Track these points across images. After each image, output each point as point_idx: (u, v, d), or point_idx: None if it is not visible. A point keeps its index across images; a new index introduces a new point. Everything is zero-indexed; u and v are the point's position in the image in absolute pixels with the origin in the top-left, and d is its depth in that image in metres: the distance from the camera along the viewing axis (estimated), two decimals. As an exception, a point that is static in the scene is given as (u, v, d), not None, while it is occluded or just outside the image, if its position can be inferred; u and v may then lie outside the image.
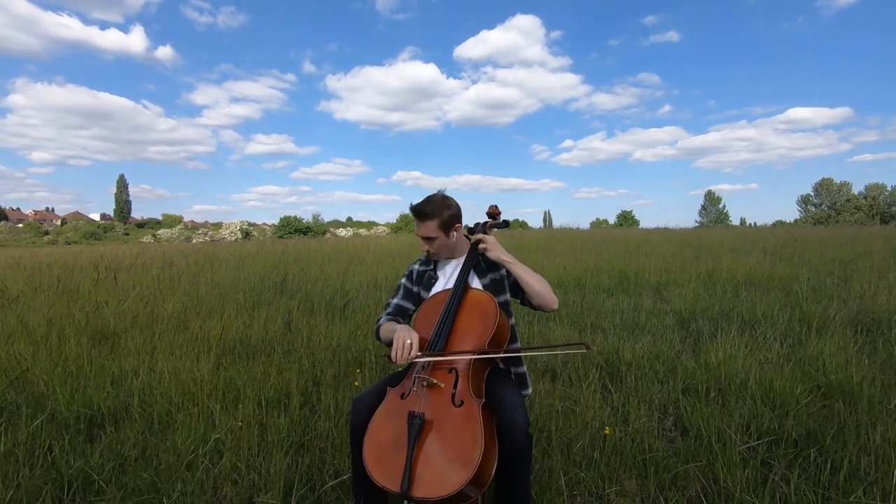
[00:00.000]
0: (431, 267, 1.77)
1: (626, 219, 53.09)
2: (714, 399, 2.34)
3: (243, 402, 2.41)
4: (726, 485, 1.66)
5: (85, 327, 3.82)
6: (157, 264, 8.27)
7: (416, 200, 1.69)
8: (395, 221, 45.81)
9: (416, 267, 1.80)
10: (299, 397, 2.45)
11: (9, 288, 5.53)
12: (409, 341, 1.45)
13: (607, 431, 1.97)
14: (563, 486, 1.67)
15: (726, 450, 1.82)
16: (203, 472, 1.81)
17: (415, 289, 1.77)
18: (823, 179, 54.10)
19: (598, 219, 54.41)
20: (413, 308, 1.78)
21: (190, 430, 2.11)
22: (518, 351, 1.60)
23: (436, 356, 1.47)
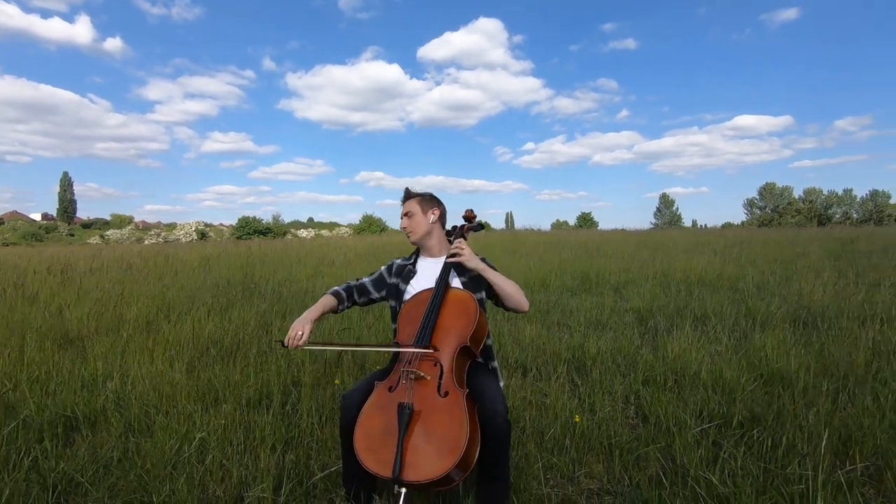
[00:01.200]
0: (412, 262, 1.91)
1: (586, 220, 54.44)
2: (671, 388, 2.54)
3: (224, 403, 2.45)
4: (683, 463, 1.84)
5: (47, 332, 3.73)
6: (115, 267, 8.02)
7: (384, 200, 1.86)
8: (357, 223, 45.30)
9: (398, 261, 1.96)
10: (280, 396, 2.51)
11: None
12: (300, 332, 1.64)
13: (577, 419, 2.12)
14: (538, 471, 1.81)
15: (682, 433, 2.00)
16: (191, 470, 1.85)
17: (392, 280, 1.91)
18: (767, 184, 57.06)
19: (558, 220, 55.65)
20: (376, 294, 1.92)
21: (172, 431, 2.14)
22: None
23: (319, 345, 1.77)
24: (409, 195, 1.89)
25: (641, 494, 1.69)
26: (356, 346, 2.47)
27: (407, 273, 1.88)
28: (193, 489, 1.76)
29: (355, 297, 1.91)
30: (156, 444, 2.03)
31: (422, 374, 1.50)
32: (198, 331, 3.62)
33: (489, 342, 1.83)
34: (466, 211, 1.98)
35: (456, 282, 1.79)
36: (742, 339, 3.39)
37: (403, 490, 1.30)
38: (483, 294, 1.79)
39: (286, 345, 1.63)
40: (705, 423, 2.11)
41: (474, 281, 1.79)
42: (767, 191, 56.63)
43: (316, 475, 1.83)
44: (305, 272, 7.32)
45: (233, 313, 4.25)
